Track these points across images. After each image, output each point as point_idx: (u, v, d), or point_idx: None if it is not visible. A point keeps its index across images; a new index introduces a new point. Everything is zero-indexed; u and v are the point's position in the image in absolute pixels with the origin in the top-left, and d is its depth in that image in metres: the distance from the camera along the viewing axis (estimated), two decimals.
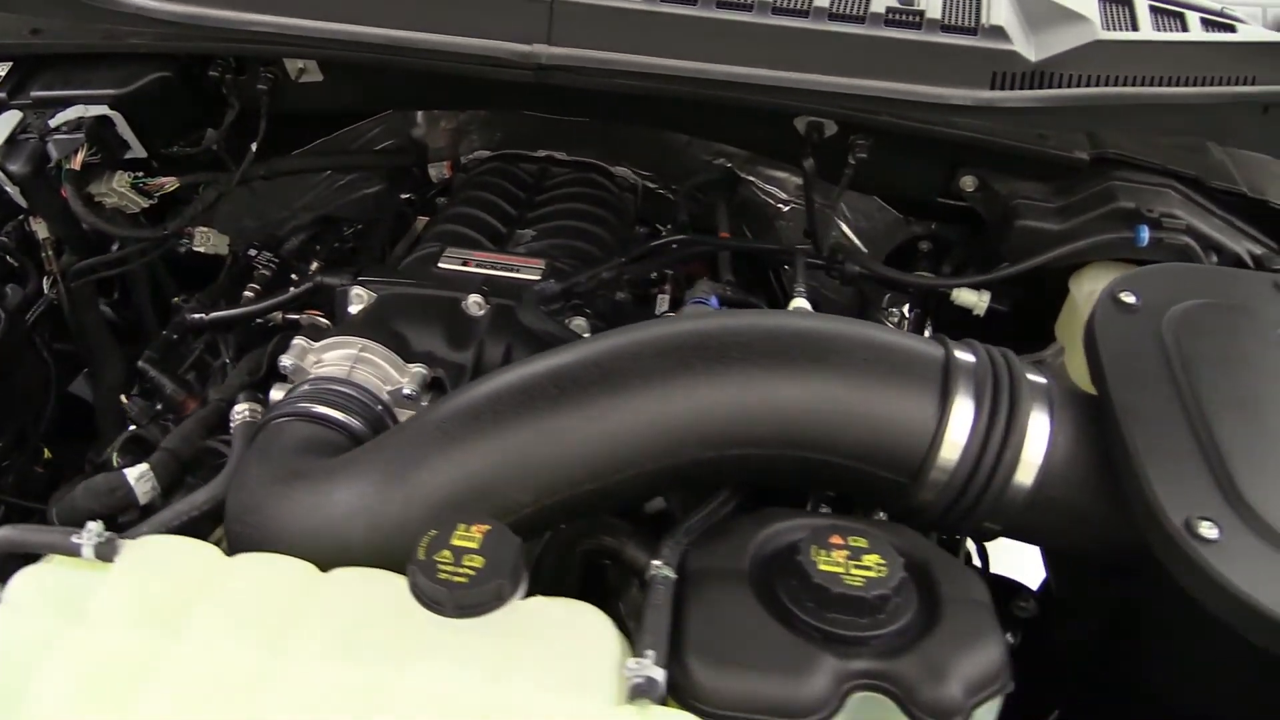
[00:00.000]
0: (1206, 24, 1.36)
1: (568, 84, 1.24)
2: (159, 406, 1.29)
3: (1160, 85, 1.30)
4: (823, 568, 0.84)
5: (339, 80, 1.39)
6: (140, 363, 1.30)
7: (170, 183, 1.35)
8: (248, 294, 1.40)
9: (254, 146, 1.38)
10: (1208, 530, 0.84)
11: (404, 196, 1.68)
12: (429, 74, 1.27)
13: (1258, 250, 1.31)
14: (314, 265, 1.44)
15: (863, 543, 0.86)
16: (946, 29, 1.27)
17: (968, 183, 1.35)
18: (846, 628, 0.82)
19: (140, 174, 1.36)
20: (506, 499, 0.90)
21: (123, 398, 1.33)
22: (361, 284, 1.24)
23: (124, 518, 1.15)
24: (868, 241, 1.70)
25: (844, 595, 0.82)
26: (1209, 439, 0.90)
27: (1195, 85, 1.31)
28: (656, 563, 0.87)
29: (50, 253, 1.40)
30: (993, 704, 0.84)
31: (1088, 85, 1.28)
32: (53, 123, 1.30)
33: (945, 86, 1.24)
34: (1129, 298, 1.04)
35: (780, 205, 1.75)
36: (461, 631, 0.76)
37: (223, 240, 1.46)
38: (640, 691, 0.76)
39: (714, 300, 1.19)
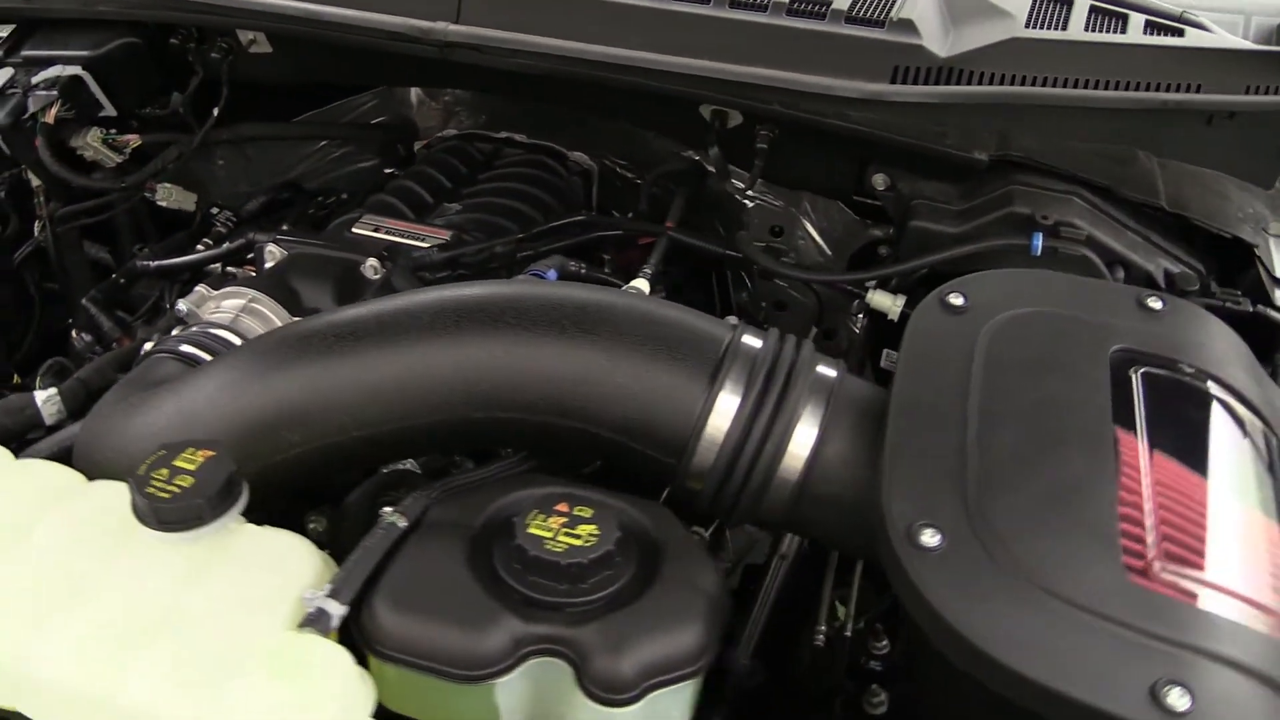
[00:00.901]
0: (1152, 27, 1.26)
1: (472, 61, 1.27)
2: (96, 342, 1.40)
3: (1085, 88, 1.21)
4: (531, 531, 0.84)
5: (284, 53, 1.46)
6: (84, 300, 1.41)
7: (134, 139, 1.46)
8: (199, 247, 1.50)
9: (215, 111, 1.48)
10: (928, 538, 0.79)
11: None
12: (355, 49, 1.33)
13: (1175, 269, 1.21)
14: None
15: (586, 513, 0.86)
16: (851, 20, 1.23)
17: (878, 181, 1.30)
18: (542, 592, 0.82)
19: (113, 130, 1.48)
20: (278, 436, 0.94)
21: (72, 333, 1.45)
22: (276, 241, 1.31)
23: (33, 435, 1.27)
24: (831, 244, 1.65)
25: (539, 559, 0.82)
26: (972, 446, 0.85)
27: (1127, 90, 1.22)
28: (388, 509, 0.89)
29: (41, 199, 1.54)
30: (682, 691, 0.82)
31: (1001, 84, 1.21)
32: (34, 80, 1.43)
33: (843, 79, 1.20)
34: (957, 299, 0.99)
35: (746, 201, 1.73)
36: (161, 544, 0.81)
37: (189, 197, 1.56)
38: (310, 621, 0.78)
39: (552, 274, 1.19)
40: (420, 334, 0.94)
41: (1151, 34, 1.25)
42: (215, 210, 1.55)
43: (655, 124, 1.54)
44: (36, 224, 1.55)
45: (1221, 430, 0.94)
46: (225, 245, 1.41)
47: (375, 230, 1.35)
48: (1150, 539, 0.80)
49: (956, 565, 0.78)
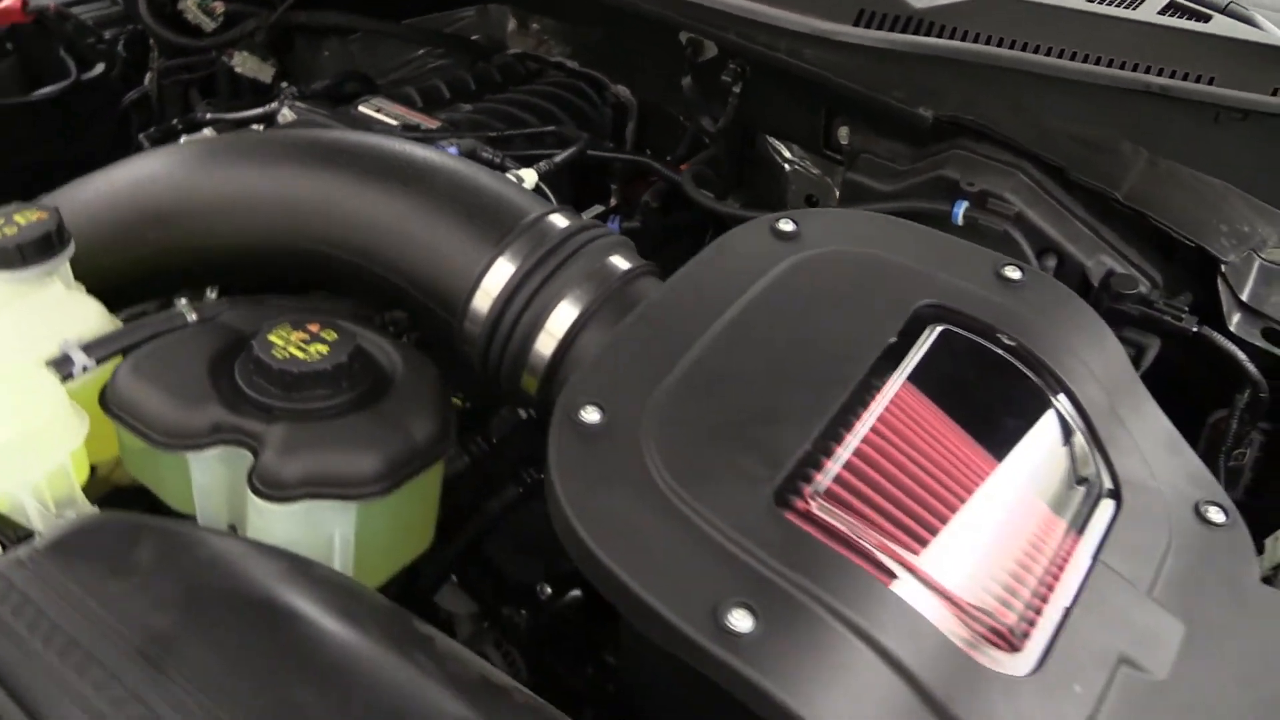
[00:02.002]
0: (1175, 8, 1.12)
1: None
2: None
3: (1072, 61, 1.09)
4: (269, 338, 0.87)
5: None
6: (140, 135, 1.59)
7: (220, 7, 1.63)
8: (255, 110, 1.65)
9: None
10: (587, 414, 0.76)
11: None
12: None
13: (1119, 268, 1.07)
14: None
15: (330, 336, 0.89)
16: None
17: (843, 134, 1.23)
18: (255, 390, 0.86)
19: None
20: (141, 232, 1.04)
21: None
22: (292, 107, 1.43)
23: None
24: None
25: (259, 360, 0.85)
26: (692, 357, 0.80)
27: (1122, 70, 1.09)
28: (184, 301, 0.96)
29: (155, 53, 1.76)
30: (344, 511, 0.83)
31: (974, 43, 1.11)
32: None
33: (801, 14, 1.15)
34: (787, 225, 0.93)
35: (784, 164, 1.68)
36: None
37: (265, 69, 1.72)
38: (54, 361, 0.86)
39: (453, 149, 1.21)
40: (273, 160, 1.01)
41: (1170, 15, 1.11)
42: (285, 85, 1.70)
43: (649, 52, 1.52)
44: (147, 75, 1.77)
45: (1021, 410, 0.84)
46: (263, 108, 1.55)
47: (377, 111, 1.43)
48: (824, 477, 0.74)
49: (600, 449, 0.75)
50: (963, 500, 0.77)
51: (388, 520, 0.87)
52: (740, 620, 0.65)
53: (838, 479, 0.74)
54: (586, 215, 1.38)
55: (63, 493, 0.84)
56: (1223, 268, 1.04)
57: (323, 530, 0.83)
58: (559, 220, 0.95)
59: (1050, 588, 0.76)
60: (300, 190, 0.98)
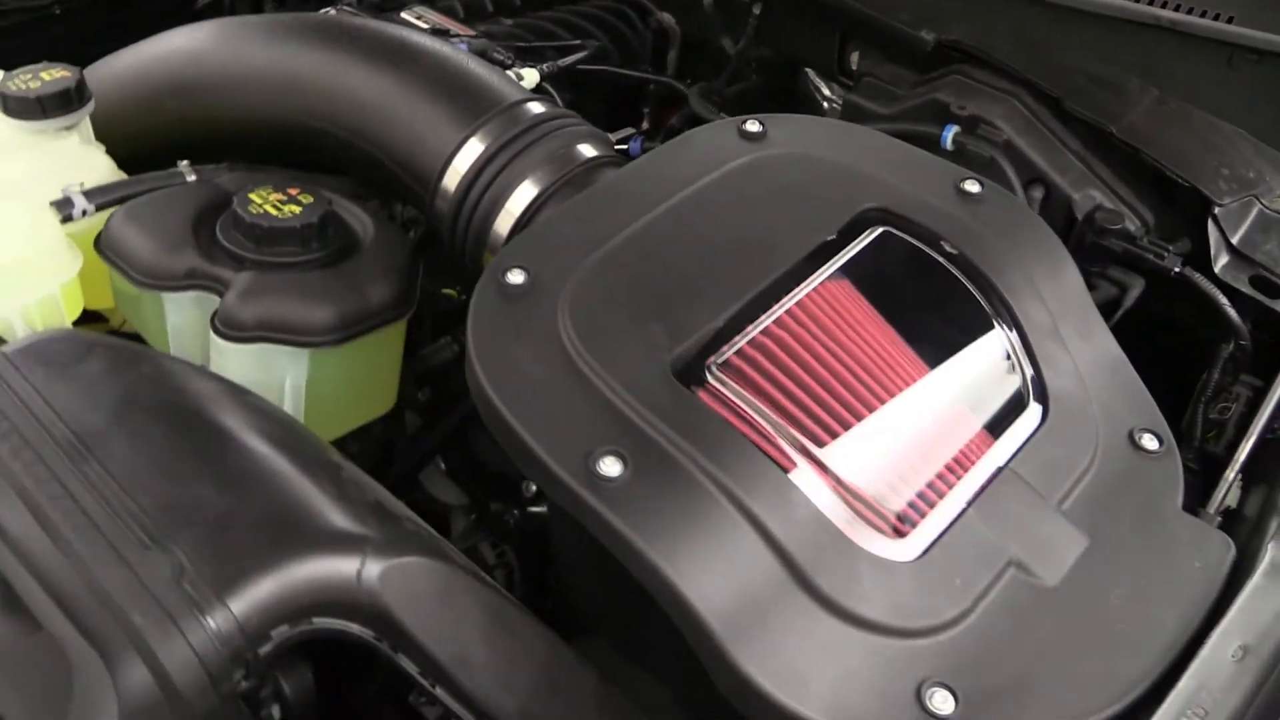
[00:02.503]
0: None
1: None
2: None
3: None
4: (249, 195, 0.93)
5: None
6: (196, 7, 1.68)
7: None
8: None
9: None
10: (513, 276, 0.79)
11: None
12: None
13: (1108, 204, 1.04)
14: None
15: (306, 199, 0.94)
16: None
17: (854, 59, 1.23)
18: (230, 242, 0.91)
19: None
20: (162, 100, 1.11)
21: None
22: (339, 9, 1.49)
23: None
24: None
25: (236, 214, 0.91)
26: (625, 235, 0.82)
27: (1135, 2, 1.05)
28: (185, 163, 1.02)
29: None
30: (296, 356, 0.88)
31: None
32: None
33: None
34: (754, 127, 0.94)
35: (824, 103, 1.67)
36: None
37: None
38: (56, 202, 0.93)
39: (463, 45, 1.24)
40: (281, 38, 1.06)
41: None
42: None
43: None
44: None
45: (955, 319, 0.84)
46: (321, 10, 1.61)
47: (418, 19, 1.48)
48: (726, 351, 0.76)
49: (517, 307, 0.78)
50: (879, 396, 0.78)
51: (340, 374, 0.92)
52: (610, 466, 0.68)
53: (741, 354, 0.75)
54: (615, 136, 1.41)
55: (52, 321, 0.91)
56: (1215, 210, 1.00)
57: (275, 374, 0.89)
58: (534, 107, 0.98)
59: (950, 486, 0.76)
60: (301, 67, 1.04)
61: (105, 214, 0.95)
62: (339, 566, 0.67)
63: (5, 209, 0.92)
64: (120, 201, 0.96)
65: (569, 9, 1.63)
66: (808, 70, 1.61)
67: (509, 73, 1.15)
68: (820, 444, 0.73)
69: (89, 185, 0.97)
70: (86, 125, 1.04)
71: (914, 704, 0.67)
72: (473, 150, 0.95)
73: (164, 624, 0.61)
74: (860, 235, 0.85)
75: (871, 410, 0.77)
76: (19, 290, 0.89)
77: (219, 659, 0.63)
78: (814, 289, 0.80)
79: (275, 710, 0.78)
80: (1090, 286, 1.06)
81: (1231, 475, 0.90)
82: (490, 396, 0.72)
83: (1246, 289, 1.00)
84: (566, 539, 0.86)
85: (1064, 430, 0.81)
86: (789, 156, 0.91)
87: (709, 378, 0.74)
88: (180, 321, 0.92)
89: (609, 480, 0.68)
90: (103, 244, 0.93)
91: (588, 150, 0.95)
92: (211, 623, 0.63)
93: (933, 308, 0.85)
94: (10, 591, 0.68)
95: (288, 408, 0.90)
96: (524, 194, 0.93)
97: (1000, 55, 1.08)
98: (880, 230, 0.85)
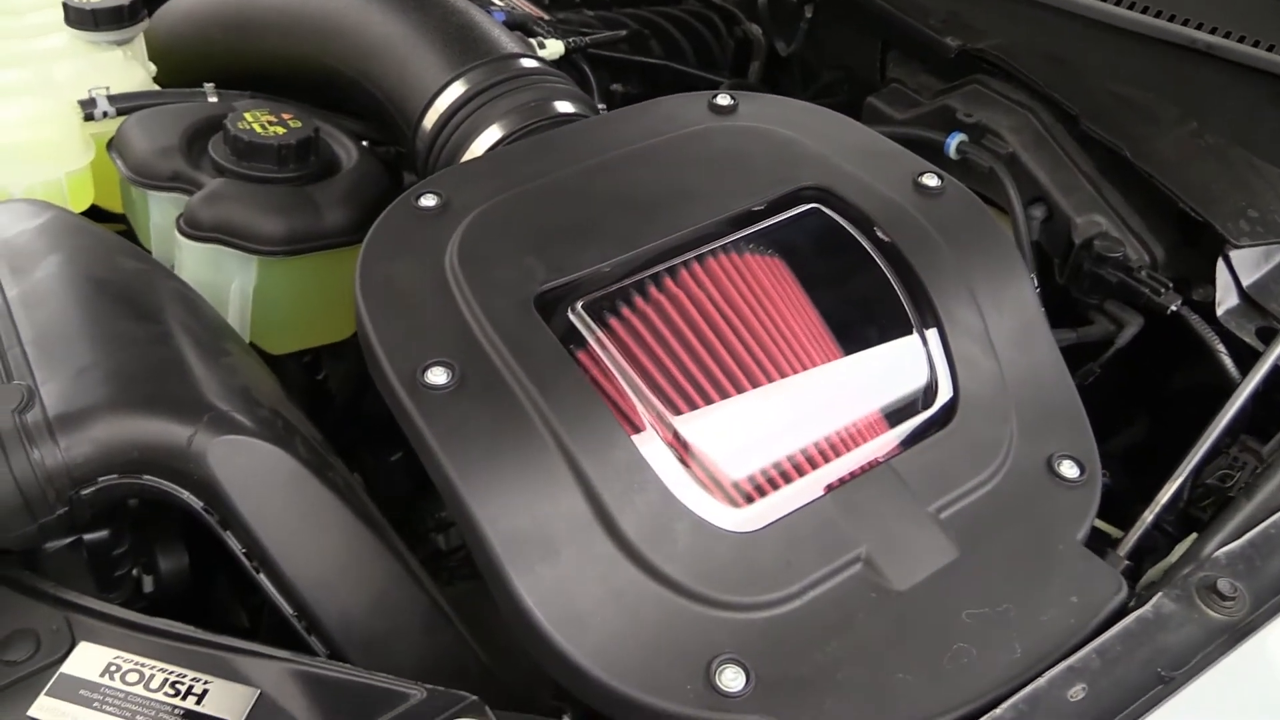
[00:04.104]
0: None
1: None
2: None
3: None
4: (244, 114, 0.98)
5: None
6: None
7: None
8: None
9: None
10: (425, 200, 0.81)
11: None
12: None
13: (1114, 232, 0.96)
14: None
15: (296, 124, 0.98)
16: None
17: (891, 67, 1.18)
18: (217, 154, 0.97)
19: None
20: (209, 31, 1.18)
21: None
22: None
23: None
24: None
25: (226, 130, 0.96)
26: (544, 184, 0.82)
27: (1171, 22, 0.97)
28: (209, 85, 1.09)
29: None
30: (245, 261, 0.92)
31: None
32: None
33: None
34: (724, 100, 0.92)
35: None
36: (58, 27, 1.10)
37: None
38: (83, 102, 1.02)
39: (499, 15, 1.26)
40: None
41: None
42: None
43: None
44: None
45: (871, 308, 0.79)
46: None
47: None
48: (599, 294, 0.74)
49: (415, 227, 0.79)
50: (765, 372, 0.74)
51: (288, 289, 0.96)
52: (436, 376, 0.68)
53: (613, 301, 0.74)
54: None
55: None
56: (1229, 250, 0.91)
57: (225, 276, 0.94)
58: (525, 63, 1.00)
59: (815, 466, 0.72)
60: (328, 7, 1.09)
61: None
62: (172, 429, 0.70)
63: (37, 99, 1.01)
64: (140, 109, 1.04)
65: (655, 9, 1.65)
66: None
67: (532, 40, 1.18)
68: (677, 407, 0.71)
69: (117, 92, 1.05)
70: (139, 45, 1.13)
71: (700, 675, 0.63)
72: (453, 93, 0.97)
73: None
74: (789, 209, 0.82)
75: (750, 384, 0.74)
76: (28, 169, 0.97)
77: (37, 489, 0.66)
78: (725, 256, 0.78)
79: (148, 581, 0.82)
80: (1085, 321, 0.99)
81: (1150, 517, 0.80)
82: (358, 303, 0.73)
83: (1252, 340, 0.89)
84: None
85: (968, 438, 0.75)
86: (744, 129, 0.89)
87: (570, 315, 0.73)
88: (160, 220, 0.99)
89: (432, 389, 0.67)
90: (112, 142, 1.01)
91: (564, 107, 0.96)
92: (37, 454, 0.66)
93: (851, 294, 0.80)
94: None
95: (233, 311, 0.94)
96: (488, 138, 0.94)
97: (1025, 68, 1.02)
98: (809, 206, 0.82)
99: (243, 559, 0.72)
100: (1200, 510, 0.92)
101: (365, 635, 0.73)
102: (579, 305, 0.73)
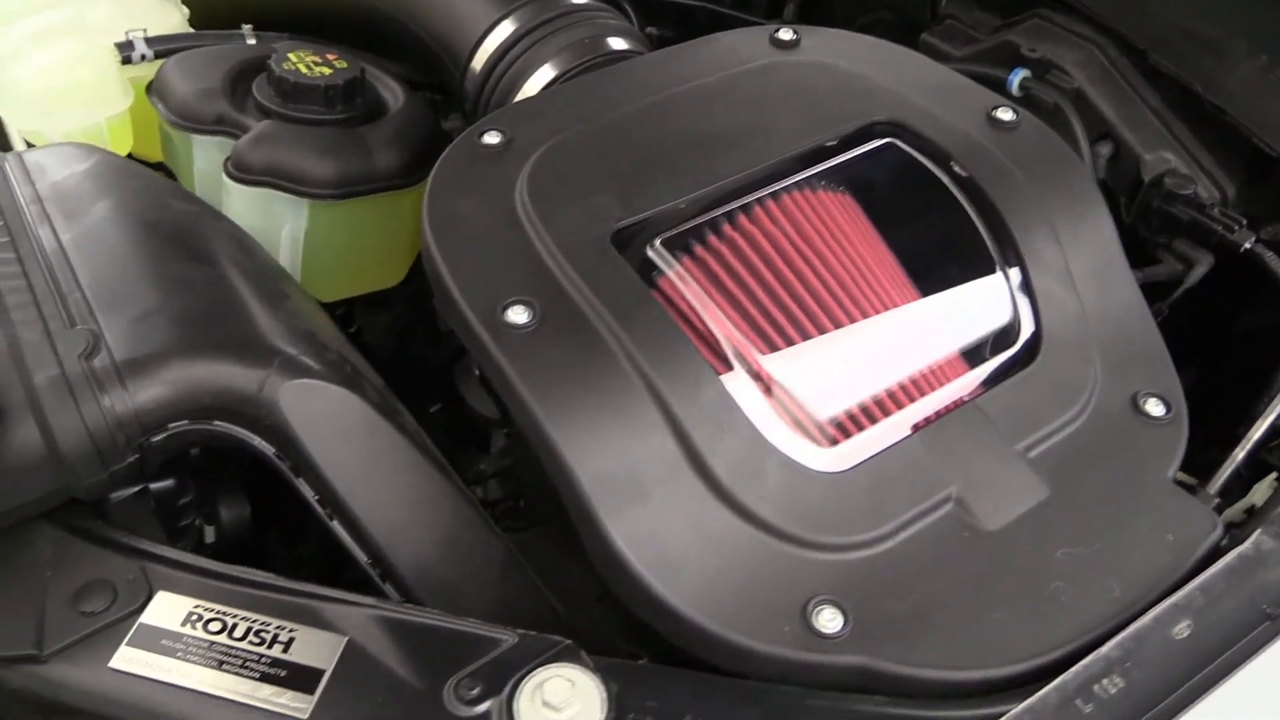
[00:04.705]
0: None
1: None
2: None
3: None
4: (289, 55, 0.95)
5: None
6: None
7: None
8: None
9: None
10: (489, 137, 0.77)
11: None
12: None
13: (1183, 169, 0.93)
14: None
15: (341, 65, 0.95)
16: None
17: (944, 3, 1.14)
18: (262, 95, 0.93)
19: None
20: None
21: None
22: None
23: None
24: None
25: (270, 70, 0.92)
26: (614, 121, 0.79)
27: None
28: (247, 26, 1.05)
29: None
30: (296, 205, 0.89)
31: None
32: None
33: None
34: (786, 35, 0.89)
35: None
36: None
37: None
38: (120, 45, 0.98)
39: None
40: None
41: None
42: None
43: None
44: None
45: (952, 245, 0.77)
46: None
47: None
48: (677, 230, 0.72)
49: (482, 165, 0.76)
50: (847, 312, 0.72)
51: (340, 232, 0.93)
52: (517, 314, 0.65)
53: (692, 238, 0.71)
54: None
55: None
56: None
57: (276, 221, 0.91)
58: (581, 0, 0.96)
59: (900, 406, 0.70)
60: None
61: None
62: (243, 374, 0.67)
63: (73, 42, 0.98)
64: (179, 52, 1.01)
65: None
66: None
67: None
68: (759, 346, 0.68)
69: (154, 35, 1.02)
70: None
71: (798, 616, 0.61)
72: (502, 32, 0.94)
73: (61, 390, 0.63)
74: (860, 143, 0.79)
75: (831, 323, 0.71)
76: (67, 114, 0.94)
77: (109, 436, 0.64)
78: (799, 193, 0.75)
79: (210, 532, 0.80)
80: (1153, 261, 0.96)
81: (1241, 455, 0.78)
82: (429, 243, 0.71)
83: None
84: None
85: (1052, 376, 0.73)
86: (811, 63, 0.86)
87: (649, 252, 0.70)
88: (205, 165, 0.95)
89: (513, 328, 0.65)
90: (150, 86, 0.98)
91: (617, 43, 0.93)
92: (108, 401, 0.64)
93: (929, 230, 0.78)
94: None
95: (284, 256, 0.92)
96: (542, 76, 0.91)
97: (1090, 1, 0.99)
98: (884, 141, 0.79)
99: (315, 506, 0.70)
100: (1269, 453, 0.91)
101: (440, 582, 0.71)
102: (657, 242, 0.70)
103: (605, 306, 0.66)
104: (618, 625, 0.72)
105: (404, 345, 1.12)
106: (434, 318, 1.18)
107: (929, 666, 0.61)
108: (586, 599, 0.78)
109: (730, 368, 0.66)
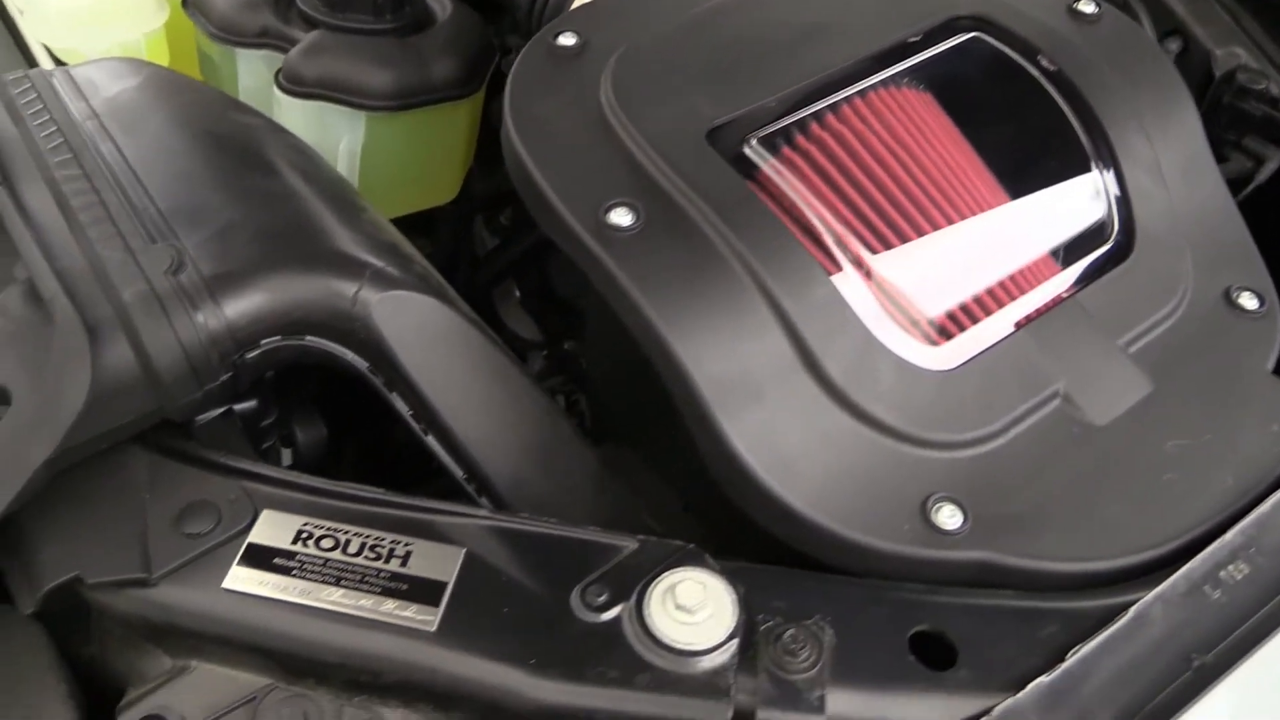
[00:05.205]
0: None
1: None
2: None
3: None
4: None
5: None
6: None
7: None
8: None
9: None
10: (565, 39, 0.74)
11: None
12: None
13: (1254, 64, 0.91)
14: None
15: None
16: None
17: None
18: (308, 5, 0.89)
19: None
20: None
21: None
22: None
23: None
24: None
25: None
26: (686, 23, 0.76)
27: None
28: None
29: None
30: (352, 118, 0.86)
31: None
32: None
33: None
34: None
35: None
36: None
37: None
38: None
39: None
40: None
41: None
42: None
43: None
44: None
45: (1041, 139, 0.75)
46: None
47: None
48: (772, 128, 0.69)
49: (562, 68, 0.73)
50: (942, 210, 0.70)
51: (397, 146, 0.90)
52: (621, 216, 0.63)
53: (786, 135, 0.69)
54: None
55: None
56: None
57: (332, 135, 0.87)
58: None
59: (1001, 304, 0.68)
60: None
61: None
62: (336, 287, 0.65)
63: None
64: None
65: None
66: None
67: None
68: (866, 244, 0.66)
69: None
70: None
71: (917, 514, 0.60)
72: None
73: (152, 307, 0.60)
74: (942, 40, 0.76)
75: (930, 223, 0.69)
76: (103, 30, 0.90)
77: (204, 353, 0.61)
78: (885, 90, 0.72)
79: (286, 455, 0.78)
80: (1222, 158, 0.95)
81: None
82: (518, 150, 0.68)
83: None
84: (593, 319, 0.82)
85: (1147, 272, 0.72)
86: None
87: (746, 150, 0.68)
88: (250, 81, 0.91)
89: (618, 230, 0.63)
90: (189, 3, 0.93)
91: None
92: (200, 317, 0.61)
93: (1019, 125, 0.76)
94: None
95: (341, 171, 0.88)
96: None
97: None
98: (970, 35, 0.76)
99: (410, 421, 0.68)
100: None
101: (537, 495, 0.69)
102: (754, 140, 0.68)
103: (710, 207, 0.63)
104: (700, 538, 0.72)
105: (446, 272, 1.09)
106: (473, 243, 1.15)
107: (1052, 559, 0.60)
108: (667, 513, 0.77)
109: (839, 267, 0.65)
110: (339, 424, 0.77)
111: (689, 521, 0.77)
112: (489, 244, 1.16)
